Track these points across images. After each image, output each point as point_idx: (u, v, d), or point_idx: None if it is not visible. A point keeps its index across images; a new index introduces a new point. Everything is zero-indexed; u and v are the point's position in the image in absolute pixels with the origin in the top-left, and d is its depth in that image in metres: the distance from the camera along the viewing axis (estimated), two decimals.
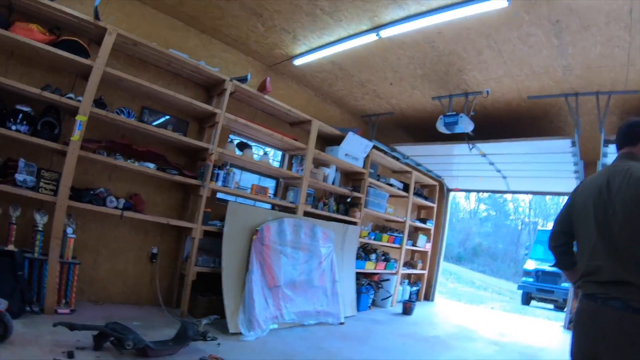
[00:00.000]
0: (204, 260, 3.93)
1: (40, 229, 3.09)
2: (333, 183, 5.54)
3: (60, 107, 3.27)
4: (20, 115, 3.05)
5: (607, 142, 4.43)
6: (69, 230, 3.20)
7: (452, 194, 8.59)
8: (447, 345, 4.46)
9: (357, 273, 5.65)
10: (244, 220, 4.00)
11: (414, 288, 7.56)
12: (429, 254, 7.78)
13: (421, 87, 4.97)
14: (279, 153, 5.47)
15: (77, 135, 3.17)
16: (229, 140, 4.46)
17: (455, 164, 6.89)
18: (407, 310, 5.99)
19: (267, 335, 3.66)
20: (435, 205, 7.88)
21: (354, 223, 5.67)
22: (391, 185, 6.50)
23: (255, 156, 4.65)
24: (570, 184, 5.23)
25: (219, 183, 4.10)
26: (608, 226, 1.65)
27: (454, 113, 4.68)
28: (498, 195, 27.34)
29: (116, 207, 3.43)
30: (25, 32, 3.04)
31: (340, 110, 6.22)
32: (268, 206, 5.02)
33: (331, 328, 4.39)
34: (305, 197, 4.92)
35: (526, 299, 11.44)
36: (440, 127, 4.82)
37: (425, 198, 7.66)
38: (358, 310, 5.44)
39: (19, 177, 3.02)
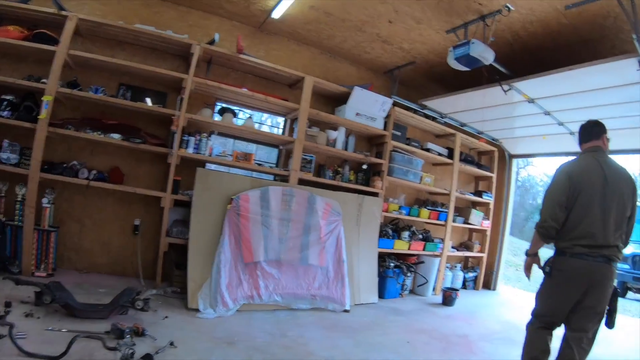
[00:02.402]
0: (179, 232, 3.86)
1: (19, 199, 3.45)
2: (346, 149, 4.88)
3: (37, 92, 3.60)
4: (5, 103, 3.50)
5: None
6: (45, 200, 3.50)
7: (515, 160, 6.89)
8: (469, 349, 3.45)
9: (384, 254, 4.91)
10: (218, 189, 3.77)
11: (471, 274, 6.25)
12: (489, 233, 6.35)
13: (427, 20, 3.97)
14: (281, 119, 5.09)
15: (44, 113, 3.45)
16: (207, 106, 4.24)
17: (509, 120, 5.33)
18: (446, 300, 4.96)
19: (233, 315, 3.34)
20: (494, 175, 6.45)
21: (376, 195, 4.92)
22: (428, 150, 5.49)
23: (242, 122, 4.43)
24: None
25: (190, 150, 3.99)
26: (607, 206, 2.26)
27: (464, 41, 3.63)
28: None
29: (86, 178, 3.63)
30: (3, 33, 3.47)
31: (357, 68, 5.48)
32: (269, 176, 4.70)
33: (327, 315, 3.80)
34: (299, 163, 4.41)
35: (621, 290, 8.55)
36: (453, 63, 3.79)
37: (480, 166, 6.28)
38: (383, 297, 4.74)
39: (3, 155, 3.45)
